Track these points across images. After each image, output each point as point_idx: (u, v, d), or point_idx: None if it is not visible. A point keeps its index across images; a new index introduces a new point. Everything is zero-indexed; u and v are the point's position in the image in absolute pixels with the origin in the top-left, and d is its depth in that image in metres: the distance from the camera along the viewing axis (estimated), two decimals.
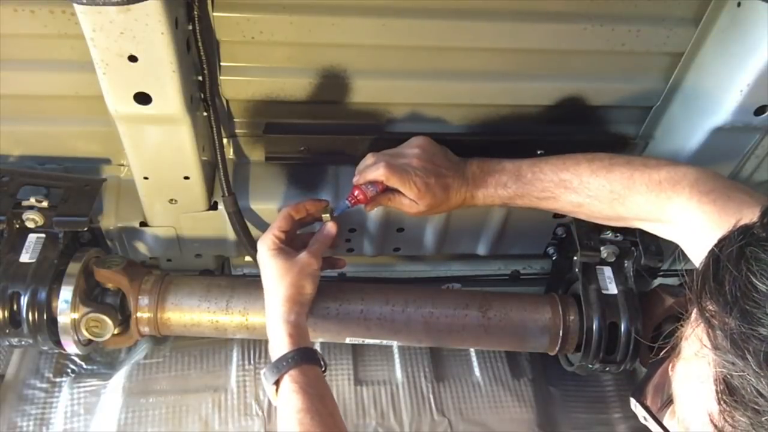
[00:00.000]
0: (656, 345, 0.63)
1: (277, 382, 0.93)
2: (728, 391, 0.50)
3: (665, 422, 0.63)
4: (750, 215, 0.78)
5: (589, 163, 0.98)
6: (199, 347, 1.43)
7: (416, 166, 1.03)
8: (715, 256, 0.54)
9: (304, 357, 0.94)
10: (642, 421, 0.66)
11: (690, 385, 0.57)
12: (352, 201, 1.07)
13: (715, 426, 0.52)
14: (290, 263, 1.02)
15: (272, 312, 1.00)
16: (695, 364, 0.55)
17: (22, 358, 1.43)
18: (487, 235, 1.31)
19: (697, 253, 0.86)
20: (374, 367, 1.45)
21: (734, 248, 0.53)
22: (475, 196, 1.06)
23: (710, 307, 0.53)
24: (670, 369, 0.61)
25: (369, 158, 1.07)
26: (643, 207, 0.93)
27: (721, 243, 0.55)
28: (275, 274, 1.02)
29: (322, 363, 0.97)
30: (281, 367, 0.93)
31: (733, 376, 0.49)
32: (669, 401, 0.63)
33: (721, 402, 0.51)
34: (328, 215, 1.09)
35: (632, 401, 0.66)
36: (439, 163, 1.05)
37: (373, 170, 1.04)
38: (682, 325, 0.59)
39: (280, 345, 0.96)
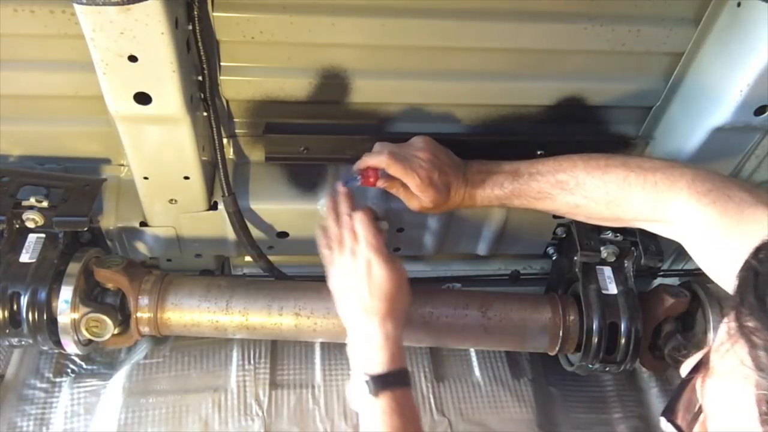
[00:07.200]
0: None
1: (376, 395, 0.91)
2: None
3: None
4: (751, 214, 0.77)
5: (585, 164, 0.97)
6: (199, 347, 1.43)
7: (422, 157, 1.02)
8: (753, 269, 0.50)
9: (406, 379, 0.93)
10: None
11: (726, 403, 0.53)
12: (362, 180, 1.03)
13: None
14: (403, 276, 0.99)
15: (376, 322, 0.95)
16: (732, 382, 0.51)
17: (22, 358, 1.43)
18: (487, 235, 1.31)
19: (699, 252, 0.85)
20: None
21: None
22: (473, 197, 1.06)
23: (749, 324, 0.49)
24: (698, 384, 0.57)
25: (376, 146, 1.06)
26: (639, 208, 0.93)
27: (758, 253, 0.51)
28: (394, 282, 0.96)
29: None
30: (386, 383, 0.91)
31: None
32: (698, 413, 0.59)
33: (765, 424, 0.47)
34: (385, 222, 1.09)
35: (662, 420, 0.62)
36: (442, 161, 1.05)
37: (374, 156, 1.03)
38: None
39: (381, 359, 0.93)
